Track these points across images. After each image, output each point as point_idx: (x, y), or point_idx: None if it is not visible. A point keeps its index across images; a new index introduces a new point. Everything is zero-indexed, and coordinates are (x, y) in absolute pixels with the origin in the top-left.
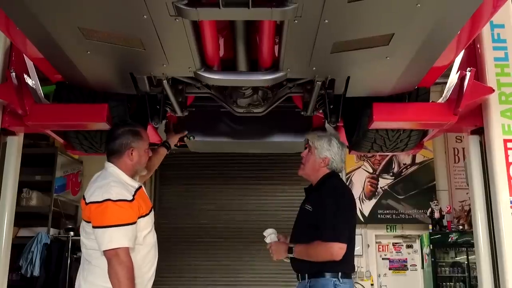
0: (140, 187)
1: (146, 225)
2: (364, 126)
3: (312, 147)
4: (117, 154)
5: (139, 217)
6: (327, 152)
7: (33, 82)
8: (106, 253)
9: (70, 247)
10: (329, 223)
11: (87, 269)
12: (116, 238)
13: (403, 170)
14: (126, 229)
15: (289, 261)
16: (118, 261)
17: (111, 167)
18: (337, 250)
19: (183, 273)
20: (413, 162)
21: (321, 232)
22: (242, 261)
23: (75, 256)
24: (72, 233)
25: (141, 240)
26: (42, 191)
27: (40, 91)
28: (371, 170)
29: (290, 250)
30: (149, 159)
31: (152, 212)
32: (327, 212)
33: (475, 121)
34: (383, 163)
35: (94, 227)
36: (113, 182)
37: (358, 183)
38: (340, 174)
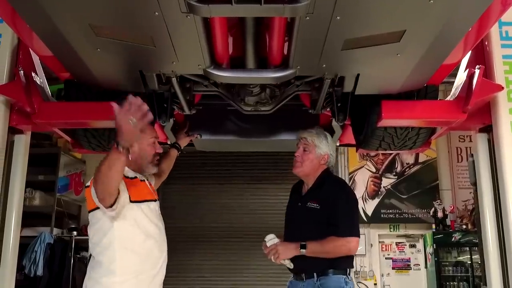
0: (135, 177)
1: (141, 212)
2: (372, 124)
3: (311, 145)
4: None
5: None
6: (327, 148)
7: (41, 80)
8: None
9: (73, 246)
10: (345, 218)
11: (91, 265)
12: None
13: (406, 170)
14: None
15: (292, 266)
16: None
17: None
18: (355, 244)
19: (188, 273)
20: (416, 162)
21: (337, 228)
22: (247, 261)
23: (78, 256)
24: (75, 232)
25: (138, 223)
26: (45, 191)
27: (48, 89)
28: (374, 170)
29: (302, 247)
30: (160, 162)
31: (153, 204)
32: (341, 207)
33: (483, 119)
34: (386, 162)
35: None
36: None
37: (361, 182)
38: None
